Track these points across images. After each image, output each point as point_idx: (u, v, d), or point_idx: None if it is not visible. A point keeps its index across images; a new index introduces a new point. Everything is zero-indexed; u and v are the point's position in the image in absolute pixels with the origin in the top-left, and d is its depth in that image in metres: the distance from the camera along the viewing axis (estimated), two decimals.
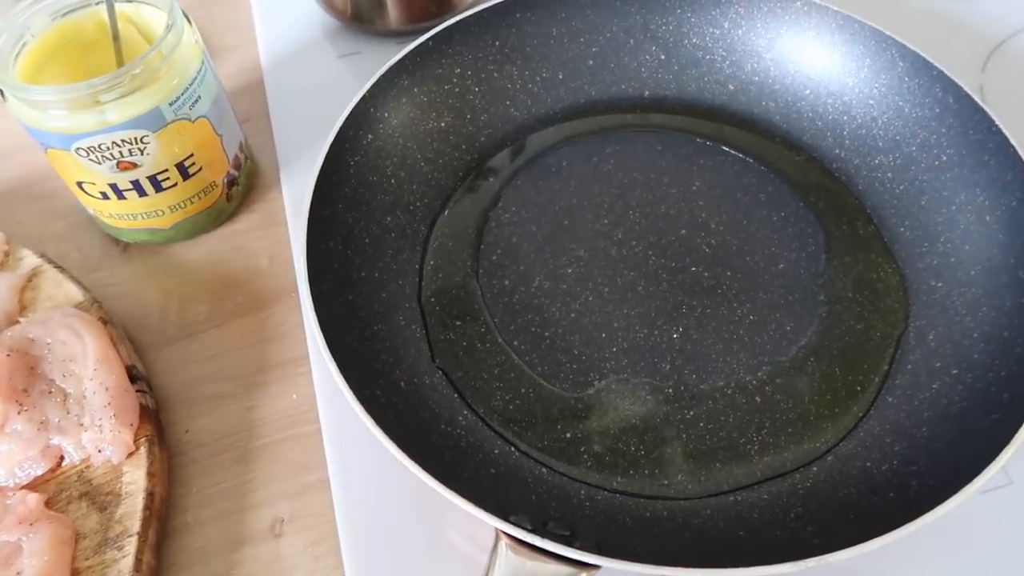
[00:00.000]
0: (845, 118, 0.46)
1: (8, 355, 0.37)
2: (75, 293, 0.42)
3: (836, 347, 0.39)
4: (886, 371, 0.38)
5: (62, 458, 0.36)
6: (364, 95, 0.42)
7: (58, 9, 0.41)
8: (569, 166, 0.47)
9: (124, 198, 0.42)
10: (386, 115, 0.44)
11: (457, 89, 0.47)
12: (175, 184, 0.42)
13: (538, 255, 0.43)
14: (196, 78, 0.40)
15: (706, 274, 0.42)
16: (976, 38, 0.54)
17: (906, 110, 0.44)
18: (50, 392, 0.37)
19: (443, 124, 0.46)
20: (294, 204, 0.47)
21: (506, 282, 0.42)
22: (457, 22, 0.46)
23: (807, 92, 0.47)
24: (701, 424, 0.37)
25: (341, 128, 0.41)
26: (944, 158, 0.42)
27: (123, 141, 0.39)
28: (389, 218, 0.43)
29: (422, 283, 0.42)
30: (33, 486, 0.36)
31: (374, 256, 0.41)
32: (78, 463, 0.36)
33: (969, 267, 0.39)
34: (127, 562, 0.33)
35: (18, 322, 0.40)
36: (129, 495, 0.35)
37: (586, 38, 0.49)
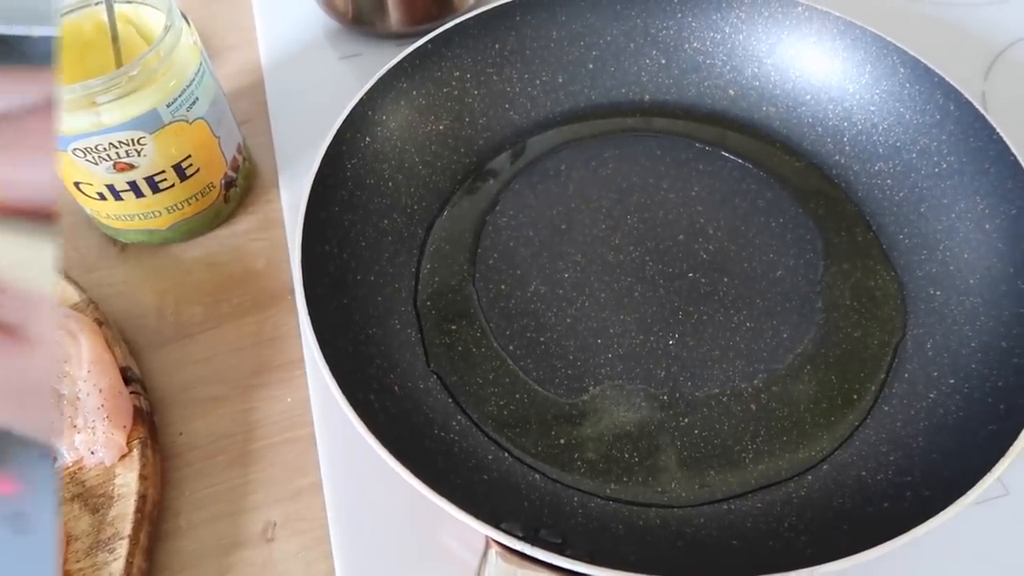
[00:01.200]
0: (845, 124, 0.46)
1: None
2: (71, 294, 0.42)
3: (833, 355, 0.39)
4: (883, 380, 0.38)
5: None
6: (361, 98, 0.42)
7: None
8: (568, 170, 0.46)
9: (121, 199, 0.42)
10: (384, 118, 0.44)
11: (456, 92, 0.47)
12: (172, 185, 0.42)
13: (535, 259, 0.43)
14: (194, 80, 0.40)
15: (703, 280, 0.41)
16: (979, 45, 0.54)
17: (907, 116, 0.44)
18: None
19: (441, 127, 0.46)
20: (292, 206, 0.47)
21: (502, 286, 0.42)
22: (456, 25, 0.46)
23: (808, 98, 0.47)
24: (696, 431, 0.37)
25: (338, 131, 0.41)
26: (944, 165, 0.42)
27: (120, 142, 0.39)
28: (386, 221, 0.43)
29: (418, 287, 0.42)
30: None
31: (370, 259, 0.41)
32: (71, 465, 0.36)
33: (968, 276, 0.39)
34: (118, 565, 0.33)
35: None
36: (121, 497, 0.35)
37: (586, 41, 0.49)
